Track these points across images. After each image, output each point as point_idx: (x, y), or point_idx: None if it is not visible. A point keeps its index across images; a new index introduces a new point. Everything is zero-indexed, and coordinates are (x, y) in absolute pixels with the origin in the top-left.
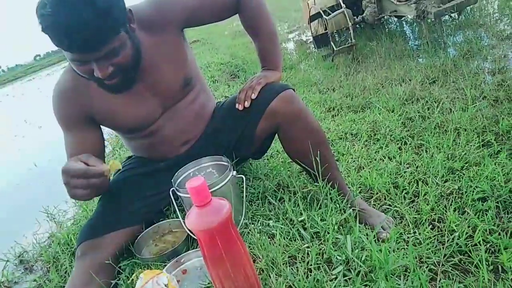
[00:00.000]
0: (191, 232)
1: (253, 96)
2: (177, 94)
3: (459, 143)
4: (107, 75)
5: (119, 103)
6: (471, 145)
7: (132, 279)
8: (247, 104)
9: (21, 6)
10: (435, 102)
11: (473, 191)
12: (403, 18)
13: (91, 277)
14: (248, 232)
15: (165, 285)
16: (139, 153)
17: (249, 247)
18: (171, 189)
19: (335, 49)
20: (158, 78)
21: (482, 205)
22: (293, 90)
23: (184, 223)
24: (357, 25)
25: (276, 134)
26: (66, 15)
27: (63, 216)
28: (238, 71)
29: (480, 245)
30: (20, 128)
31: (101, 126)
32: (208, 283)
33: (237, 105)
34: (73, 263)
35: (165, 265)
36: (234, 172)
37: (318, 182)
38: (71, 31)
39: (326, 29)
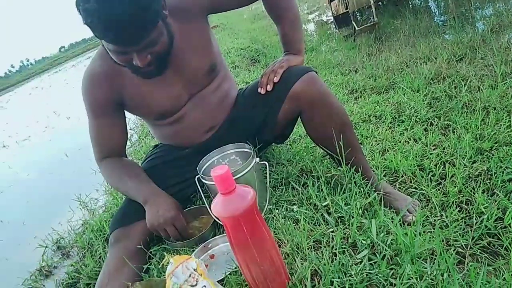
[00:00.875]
0: (218, 218)
1: (275, 80)
2: (203, 80)
3: (488, 122)
4: (146, 64)
5: (149, 89)
6: (500, 125)
7: (163, 264)
8: (269, 87)
9: None
10: (463, 80)
11: (503, 172)
12: None
13: (124, 262)
14: (273, 218)
15: (194, 270)
16: (166, 141)
17: (274, 232)
18: (196, 177)
19: (356, 28)
20: (186, 63)
21: None
22: (316, 72)
23: (211, 210)
24: (379, 3)
25: (299, 118)
26: (111, 9)
27: (95, 204)
28: (258, 55)
29: (511, 227)
30: (50, 119)
31: (128, 114)
32: (235, 268)
33: (259, 89)
34: (107, 249)
35: (194, 251)
36: (257, 159)
37: (341, 166)
38: (117, 25)
39: (347, 8)
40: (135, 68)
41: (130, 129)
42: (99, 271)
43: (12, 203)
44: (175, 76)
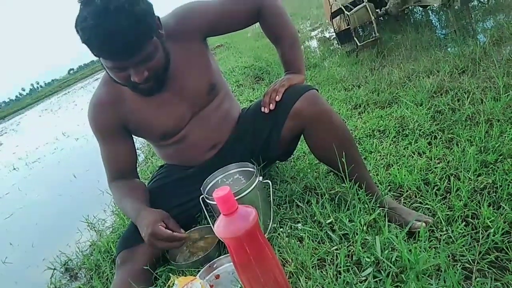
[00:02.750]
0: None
1: (277, 98)
2: (203, 99)
3: (492, 134)
4: (143, 79)
5: (151, 111)
6: (504, 137)
7: (169, 285)
8: (272, 106)
9: (48, 20)
10: (465, 93)
11: (508, 185)
12: (428, 8)
13: (131, 284)
14: (277, 236)
15: None
16: (170, 161)
17: (278, 251)
18: (200, 197)
19: (359, 44)
20: (185, 83)
21: None
22: (317, 90)
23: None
24: (380, 18)
25: (302, 135)
26: (107, 24)
27: (103, 224)
28: (262, 73)
29: None
30: (59, 141)
31: (134, 137)
32: (240, 287)
33: (262, 108)
34: (114, 270)
35: (199, 271)
36: (261, 178)
37: (345, 183)
38: (111, 39)
39: (348, 24)
40: (134, 85)
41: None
42: None
43: (21, 226)
44: (175, 96)
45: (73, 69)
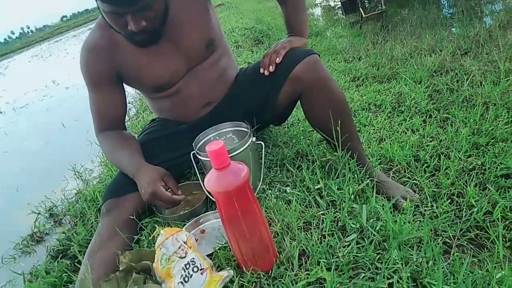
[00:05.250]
0: (210, 194)
1: (278, 60)
2: (200, 53)
3: (487, 118)
4: (140, 29)
5: (147, 60)
6: (499, 121)
7: (154, 236)
8: (271, 68)
9: None
10: (465, 75)
11: (496, 168)
12: None
13: (116, 231)
14: (265, 197)
15: (184, 242)
16: (162, 114)
17: (266, 211)
18: (192, 153)
19: (363, 15)
20: (183, 36)
21: (505, 182)
22: (318, 55)
23: (204, 186)
24: None
25: (299, 101)
26: None
27: (89, 174)
28: (262, 36)
29: (499, 222)
30: (49, 88)
31: (127, 88)
32: (225, 243)
33: (261, 70)
34: (99, 218)
35: (185, 225)
36: (254, 138)
37: (337, 152)
38: None
39: None
40: (130, 34)
41: (129, 103)
42: (90, 240)
43: (6, 169)
44: (172, 48)
45: (66, 16)
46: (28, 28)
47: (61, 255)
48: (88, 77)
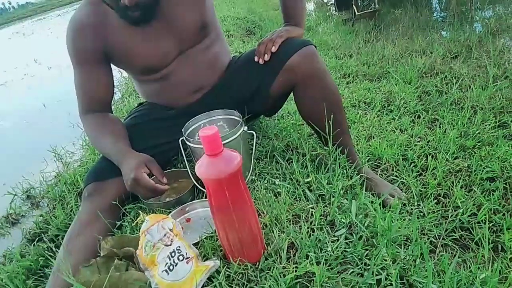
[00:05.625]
0: (198, 183)
1: (273, 49)
2: (193, 37)
3: (475, 121)
4: (133, 3)
5: (137, 40)
6: (486, 125)
7: (137, 222)
8: (266, 57)
9: None
10: (455, 78)
11: (482, 170)
12: None
13: (97, 216)
14: (254, 188)
15: (170, 230)
16: (151, 99)
17: (254, 202)
18: (180, 139)
19: (356, 13)
20: (176, 17)
21: (490, 185)
22: (315, 46)
23: (191, 174)
24: None
25: (292, 93)
26: None
27: (70, 157)
28: (254, 27)
29: (483, 224)
30: (29, 67)
31: (114, 70)
32: (211, 233)
33: (256, 58)
34: (79, 202)
35: (170, 212)
36: (245, 128)
37: (327, 146)
38: None
39: None
40: (123, 9)
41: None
42: (69, 224)
43: None
44: (164, 29)
45: None
46: (10, 3)
47: (37, 238)
48: (74, 55)
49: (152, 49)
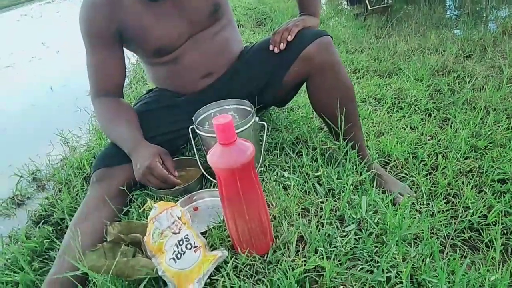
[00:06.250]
0: (206, 172)
1: (290, 38)
2: (204, 19)
3: (487, 122)
4: None
5: (149, 19)
6: (499, 126)
7: (144, 209)
8: (282, 46)
9: None
10: (467, 77)
11: (493, 172)
12: None
13: (105, 201)
14: (263, 180)
15: (178, 218)
16: (161, 83)
17: (264, 194)
18: (190, 127)
19: (369, 8)
20: None
21: (501, 186)
22: (331, 37)
23: (199, 162)
24: None
25: (304, 85)
26: None
27: (77, 141)
28: (264, 18)
29: (494, 225)
30: (37, 50)
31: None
32: (219, 222)
33: (271, 47)
34: (85, 186)
35: (177, 200)
36: (257, 118)
37: (338, 140)
38: None
39: None
40: None
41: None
42: (75, 208)
43: None
44: (176, 8)
45: None
46: None
47: (43, 220)
48: (87, 35)
49: (164, 29)
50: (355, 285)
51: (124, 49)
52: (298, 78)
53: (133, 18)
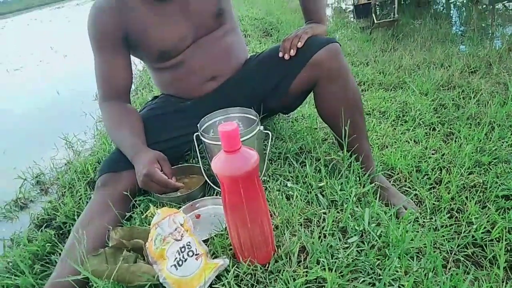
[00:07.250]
0: (209, 179)
1: (300, 45)
2: (208, 23)
3: (491, 137)
4: None
5: (155, 22)
6: (503, 142)
7: (147, 215)
8: (292, 52)
9: None
10: (472, 92)
11: (497, 188)
12: (452, 1)
13: (108, 207)
14: (266, 189)
15: (181, 224)
16: (166, 89)
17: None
18: (195, 134)
19: (375, 21)
20: (193, 1)
21: (505, 202)
22: (340, 45)
23: (203, 170)
24: (403, 0)
25: (310, 94)
26: None
27: (82, 146)
28: (271, 29)
29: (497, 242)
30: (45, 54)
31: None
32: (221, 230)
33: (280, 54)
34: (88, 191)
35: (179, 207)
36: (261, 127)
37: (343, 150)
38: None
39: None
40: None
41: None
42: (78, 212)
43: None
44: (180, 12)
45: None
46: None
47: (45, 224)
48: (95, 40)
49: (169, 32)
50: None
51: (131, 56)
52: (306, 84)
53: (138, 21)
